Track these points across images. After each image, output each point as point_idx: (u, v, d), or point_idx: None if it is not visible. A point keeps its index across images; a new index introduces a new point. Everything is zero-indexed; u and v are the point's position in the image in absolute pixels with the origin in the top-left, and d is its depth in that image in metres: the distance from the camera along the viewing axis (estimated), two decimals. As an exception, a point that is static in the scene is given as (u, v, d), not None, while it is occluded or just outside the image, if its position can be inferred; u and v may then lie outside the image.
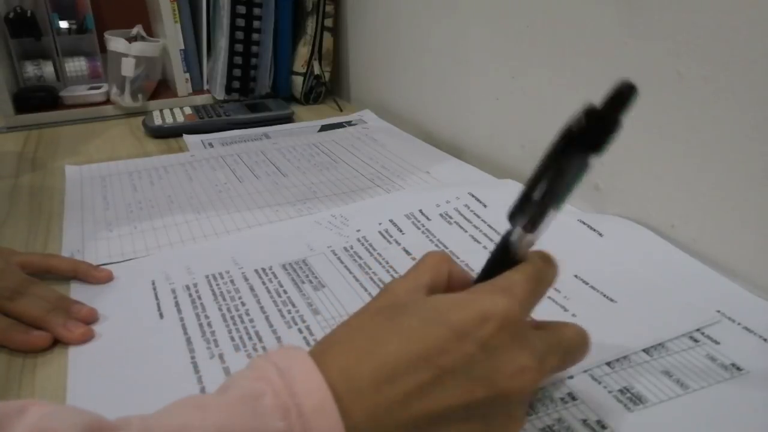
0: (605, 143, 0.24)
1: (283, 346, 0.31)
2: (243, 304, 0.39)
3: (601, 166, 0.49)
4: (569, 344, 0.27)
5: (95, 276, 0.42)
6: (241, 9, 0.83)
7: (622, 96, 0.24)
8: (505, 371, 0.23)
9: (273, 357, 0.22)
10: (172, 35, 0.87)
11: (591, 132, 0.25)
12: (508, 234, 0.27)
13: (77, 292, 0.40)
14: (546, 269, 0.27)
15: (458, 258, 0.43)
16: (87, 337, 0.36)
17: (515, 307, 0.24)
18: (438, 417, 0.22)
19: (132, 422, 0.19)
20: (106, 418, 0.20)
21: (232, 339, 0.35)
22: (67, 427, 0.18)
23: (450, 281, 0.28)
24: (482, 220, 0.47)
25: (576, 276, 0.40)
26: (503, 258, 0.27)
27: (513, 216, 0.27)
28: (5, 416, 0.19)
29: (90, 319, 0.37)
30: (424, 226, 0.48)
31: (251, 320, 0.37)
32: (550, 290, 0.38)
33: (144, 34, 0.89)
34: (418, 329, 0.23)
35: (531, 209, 0.26)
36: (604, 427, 0.28)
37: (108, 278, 0.42)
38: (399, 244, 0.46)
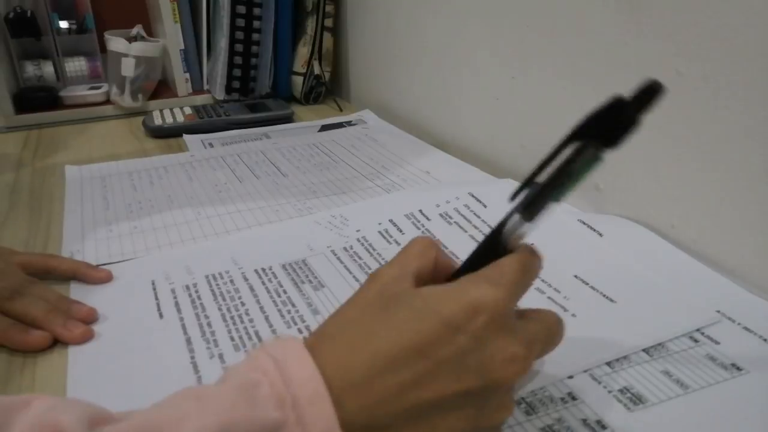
0: (622, 139, 0.24)
1: (278, 336, 0.30)
2: (243, 304, 0.39)
3: (601, 166, 0.48)
4: (551, 331, 0.27)
5: (94, 276, 0.42)
6: (241, 9, 0.83)
7: (650, 94, 0.24)
8: (497, 360, 0.23)
9: (268, 348, 0.22)
10: (172, 35, 0.87)
11: (610, 125, 0.24)
12: (504, 221, 0.27)
13: (77, 292, 0.40)
14: (533, 260, 0.27)
15: (458, 258, 0.43)
16: (87, 337, 0.36)
17: (504, 298, 0.24)
18: (432, 407, 0.23)
19: (133, 415, 0.20)
20: (109, 410, 0.20)
21: (232, 339, 0.35)
22: (72, 420, 0.19)
23: (436, 268, 0.28)
24: (482, 220, 0.47)
25: (576, 276, 0.40)
26: (493, 246, 0.27)
27: (513, 200, 0.26)
28: (10, 410, 0.19)
29: (90, 318, 0.37)
30: (424, 226, 0.48)
31: (251, 320, 0.37)
32: (550, 291, 0.38)
33: (144, 34, 0.89)
34: (410, 322, 0.23)
35: (532, 196, 0.25)
36: (604, 427, 0.28)
37: (107, 278, 0.42)
38: (399, 244, 0.45)
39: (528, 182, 0.26)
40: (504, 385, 0.24)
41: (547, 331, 0.27)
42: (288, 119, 0.82)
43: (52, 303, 0.37)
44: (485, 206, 0.49)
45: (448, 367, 0.23)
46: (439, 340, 0.23)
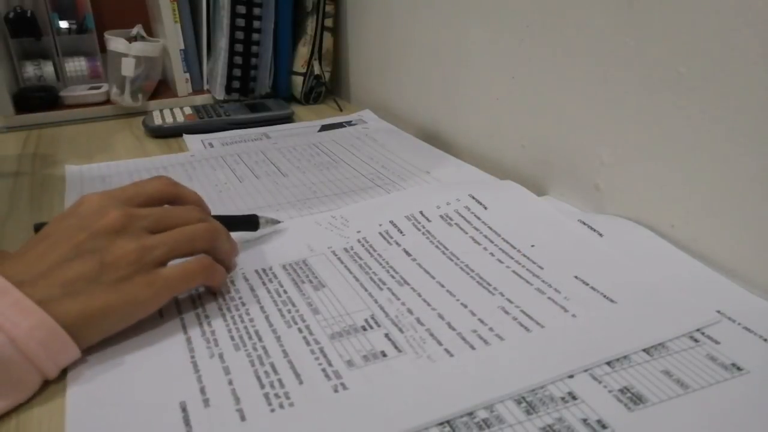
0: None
1: None
2: (243, 303, 0.39)
3: (601, 166, 0.49)
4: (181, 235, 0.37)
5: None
6: (241, 9, 0.83)
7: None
8: (90, 216, 0.35)
9: None
10: (172, 35, 0.87)
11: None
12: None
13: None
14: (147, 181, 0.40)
15: (458, 259, 0.43)
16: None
17: (104, 194, 0.37)
18: (60, 261, 0.33)
19: None
20: None
21: (232, 338, 0.35)
22: None
23: None
24: (483, 222, 0.47)
25: (576, 277, 0.40)
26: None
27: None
28: None
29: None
30: (424, 227, 0.48)
31: (251, 320, 0.37)
32: (550, 291, 0.38)
33: (144, 34, 0.89)
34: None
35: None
36: (604, 426, 0.28)
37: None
38: (399, 245, 0.46)
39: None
40: (102, 230, 0.34)
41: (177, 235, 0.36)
42: (288, 119, 0.82)
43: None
44: (486, 208, 0.49)
45: (61, 234, 0.34)
46: (56, 222, 0.35)
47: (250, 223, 0.46)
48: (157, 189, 0.40)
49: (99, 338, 0.33)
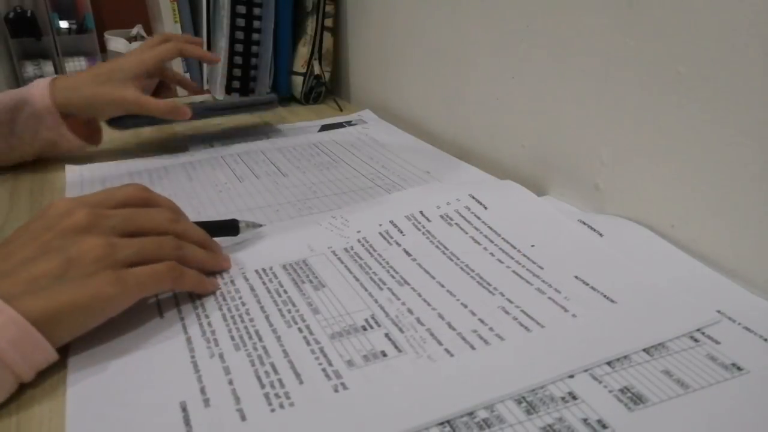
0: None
1: None
2: (243, 303, 0.39)
3: (602, 166, 0.49)
4: (149, 247, 0.37)
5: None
6: (241, 9, 0.83)
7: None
8: (55, 218, 0.35)
9: None
10: (172, 35, 0.87)
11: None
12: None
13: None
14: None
15: (459, 259, 0.43)
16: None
17: (74, 199, 0.37)
18: (26, 261, 0.32)
19: None
20: None
21: (232, 338, 0.35)
22: None
23: None
24: (483, 221, 0.47)
25: (576, 277, 0.40)
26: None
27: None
28: None
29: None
30: (424, 227, 0.48)
31: (251, 320, 0.37)
32: (551, 291, 0.38)
33: (144, 34, 0.89)
34: None
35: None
36: (604, 426, 0.28)
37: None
38: (399, 245, 0.46)
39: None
40: (68, 228, 0.34)
41: (147, 243, 0.36)
42: (271, 104, 0.79)
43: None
44: (486, 208, 0.49)
45: (27, 236, 0.34)
46: (23, 227, 0.36)
47: (230, 228, 0.46)
48: (127, 194, 0.39)
49: (70, 337, 0.33)
